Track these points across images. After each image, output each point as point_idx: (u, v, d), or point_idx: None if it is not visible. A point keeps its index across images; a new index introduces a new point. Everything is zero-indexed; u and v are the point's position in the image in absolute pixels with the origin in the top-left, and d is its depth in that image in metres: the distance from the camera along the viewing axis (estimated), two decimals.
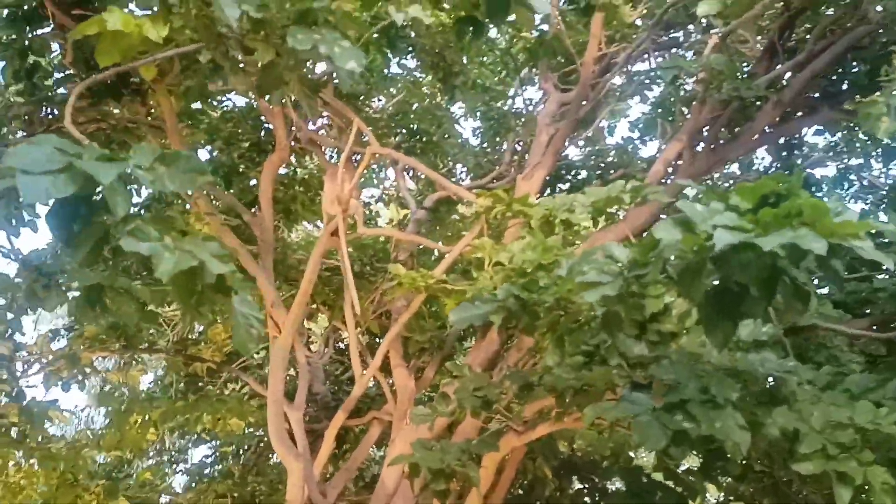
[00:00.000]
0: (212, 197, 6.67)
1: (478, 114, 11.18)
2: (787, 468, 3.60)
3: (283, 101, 6.17)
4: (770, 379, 3.32)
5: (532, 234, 4.21)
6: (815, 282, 4.79)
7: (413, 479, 5.55)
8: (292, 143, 7.10)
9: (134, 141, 5.59)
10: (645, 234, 5.71)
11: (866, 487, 2.97)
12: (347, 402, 6.70)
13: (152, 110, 5.82)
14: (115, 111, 5.64)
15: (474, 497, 5.55)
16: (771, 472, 4.06)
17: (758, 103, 6.45)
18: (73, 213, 1.90)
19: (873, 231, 2.07)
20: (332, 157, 8.02)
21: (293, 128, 7.05)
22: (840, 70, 6.82)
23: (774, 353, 3.46)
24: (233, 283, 1.95)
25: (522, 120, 10.49)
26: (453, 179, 10.78)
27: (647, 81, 9.30)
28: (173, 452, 10.52)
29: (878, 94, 3.94)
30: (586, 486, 8.96)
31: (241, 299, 2.04)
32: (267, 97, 6.34)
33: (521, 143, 10.48)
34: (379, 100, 9.87)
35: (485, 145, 11.43)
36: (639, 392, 2.78)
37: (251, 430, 9.45)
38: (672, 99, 9.08)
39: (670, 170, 6.74)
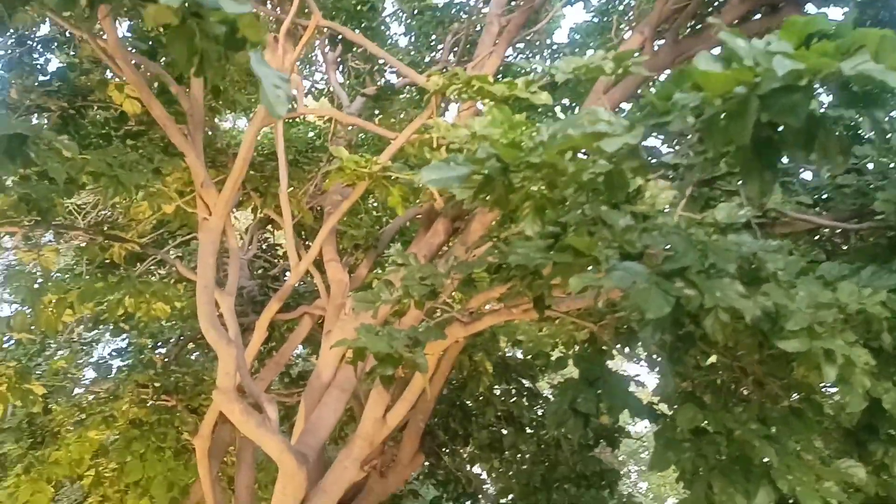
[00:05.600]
0: (140, 66, 6.04)
1: (414, 9, 10.62)
2: (754, 354, 3.55)
3: None
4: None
5: (499, 110, 3.91)
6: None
7: (357, 364, 5.38)
8: None
9: None
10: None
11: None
12: (282, 291, 6.41)
13: None
14: None
15: (417, 385, 5.42)
16: (729, 364, 4.03)
17: None
18: None
19: None
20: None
21: None
22: None
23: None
24: (251, 34, 1.52)
25: (461, 14, 10.09)
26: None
27: None
28: (81, 344, 9.99)
29: None
30: (514, 387, 9.15)
31: (258, 58, 1.61)
32: None
33: (460, 38, 10.12)
34: None
35: (417, 43, 10.97)
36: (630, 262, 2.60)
37: (171, 323, 9.04)
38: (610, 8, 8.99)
39: None
